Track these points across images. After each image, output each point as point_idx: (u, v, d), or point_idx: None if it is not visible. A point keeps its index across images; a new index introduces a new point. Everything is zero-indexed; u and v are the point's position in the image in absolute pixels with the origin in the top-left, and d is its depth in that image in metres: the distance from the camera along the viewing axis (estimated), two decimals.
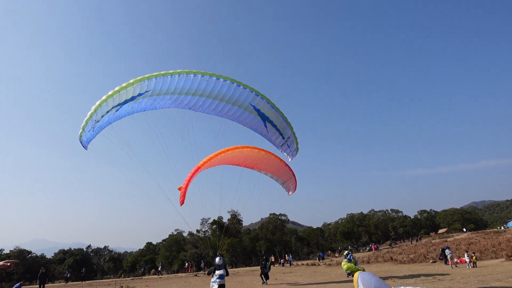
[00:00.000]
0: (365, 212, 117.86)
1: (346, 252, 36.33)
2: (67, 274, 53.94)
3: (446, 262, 32.63)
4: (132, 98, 14.23)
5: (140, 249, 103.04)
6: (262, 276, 26.12)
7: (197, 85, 14.60)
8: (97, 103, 14.11)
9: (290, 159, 19.22)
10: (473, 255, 30.64)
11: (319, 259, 56.99)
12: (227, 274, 15.84)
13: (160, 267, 64.19)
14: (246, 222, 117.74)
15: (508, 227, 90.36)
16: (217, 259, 15.27)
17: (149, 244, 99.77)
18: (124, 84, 14.23)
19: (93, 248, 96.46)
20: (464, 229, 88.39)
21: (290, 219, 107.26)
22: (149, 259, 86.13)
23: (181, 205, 23.56)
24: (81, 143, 14.61)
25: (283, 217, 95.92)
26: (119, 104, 14.14)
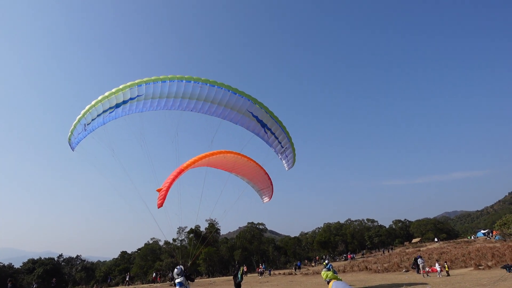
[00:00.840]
0: (342, 221, 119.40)
1: (326, 261, 37.23)
2: (34, 285, 51.65)
3: (418, 271, 33.42)
4: (125, 102, 14.33)
5: (114, 258, 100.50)
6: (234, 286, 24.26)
7: (191, 90, 14.68)
8: (86, 107, 14.26)
9: (287, 169, 19.34)
10: (445, 264, 31.59)
11: (295, 269, 57.08)
12: (192, 280, 16.22)
13: (128, 277, 62.53)
14: (223, 231, 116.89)
15: (477, 237, 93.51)
16: (175, 270, 15.70)
17: (123, 253, 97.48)
18: (113, 90, 14.26)
19: (64, 258, 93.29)
20: (436, 239, 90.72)
21: (268, 228, 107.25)
22: (124, 268, 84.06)
23: (158, 208, 23.14)
24: (70, 145, 14.73)
25: (261, 226, 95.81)
26: (110, 108, 14.24)
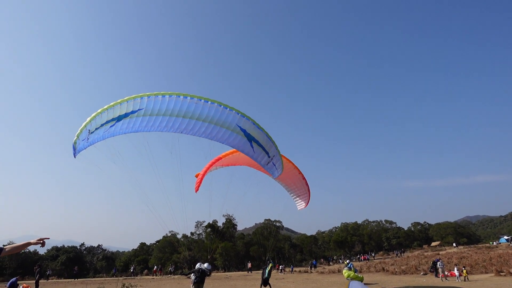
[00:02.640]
0: (359, 221, 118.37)
1: (347, 261, 37.99)
2: (49, 272, 54.28)
3: (436, 275, 33.09)
4: (126, 115, 14.79)
5: (133, 249, 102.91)
6: (262, 283, 23.12)
7: (186, 107, 15.17)
8: (92, 114, 14.81)
9: (275, 177, 19.64)
10: (463, 269, 31.16)
11: (311, 267, 57.20)
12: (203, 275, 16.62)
13: (132, 268, 64.11)
14: (240, 227, 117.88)
15: (500, 243, 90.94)
16: (205, 265, 16.56)
17: (142, 245, 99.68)
18: (118, 100, 14.90)
19: (86, 246, 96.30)
20: (454, 244, 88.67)
21: (285, 226, 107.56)
22: (142, 259, 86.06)
23: (196, 192, 24.68)
24: (74, 150, 15.29)
25: (277, 223, 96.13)
26: (113, 119, 14.72)
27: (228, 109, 15.70)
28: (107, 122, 14.74)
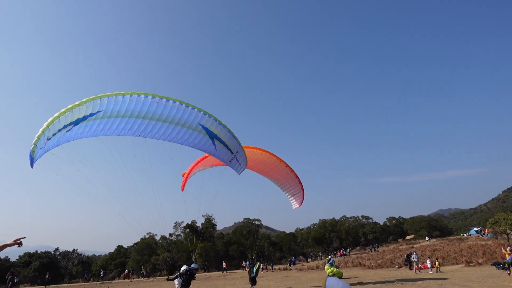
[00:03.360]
0: (337, 218, 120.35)
1: (328, 257, 38.97)
2: (16, 279, 51.06)
3: (410, 268, 34.14)
4: (84, 118, 14.16)
5: (110, 252, 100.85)
6: (250, 281, 24.57)
7: (147, 108, 14.81)
8: (50, 119, 13.84)
9: (239, 173, 19.67)
10: (436, 260, 32.33)
11: (290, 264, 57.81)
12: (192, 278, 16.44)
13: (102, 273, 62.43)
14: (219, 226, 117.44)
15: (470, 235, 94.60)
16: (184, 267, 16.33)
17: (119, 247, 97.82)
18: (77, 102, 14.12)
19: (61, 251, 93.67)
20: (427, 238, 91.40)
21: (264, 224, 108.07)
22: (119, 262, 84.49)
23: (182, 191, 24.66)
24: (31, 159, 13.98)
25: (257, 222, 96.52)
26: (70, 123, 14.01)
27: (190, 107, 15.54)
28: (65, 127, 13.99)
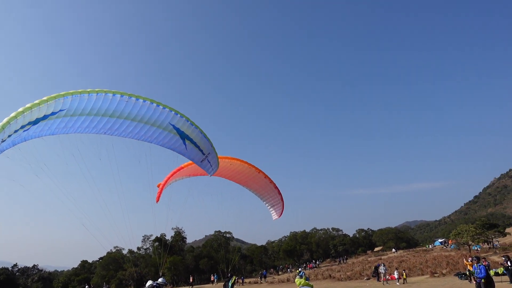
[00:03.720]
0: (307, 230, 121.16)
1: (299, 269, 39.19)
2: None
3: (378, 279, 34.75)
4: (45, 117, 13.05)
5: (73, 267, 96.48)
6: None
7: (115, 106, 14.08)
8: (5, 120, 12.44)
9: (210, 175, 19.33)
10: (403, 272, 33.10)
11: (261, 277, 57.43)
12: None
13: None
14: (190, 239, 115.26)
15: (435, 246, 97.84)
16: (151, 283, 15.41)
17: (84, 262, 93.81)
18: (37, 101, 12.83)
19: (19, 267, 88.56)
20: (394, 250, 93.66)
21: (235, 237, 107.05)
22: (84, 278, 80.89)
23: (156, 202, 23.66)
24: None
25: (228, 235, 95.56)
26: (29, 123, 12.77)
27: (161, 107, 14.99)
28: (22, 127, 12.62)
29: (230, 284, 23.97)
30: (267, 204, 28.24)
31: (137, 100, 14.44)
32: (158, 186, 24.79)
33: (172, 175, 23.75)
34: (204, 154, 17.29)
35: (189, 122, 15.96)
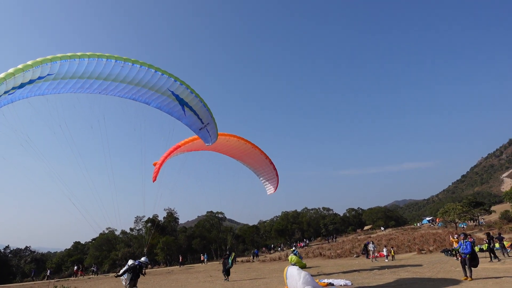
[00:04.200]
0: (299, 210, 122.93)
1: (293, 248, 40.25)
2: None
3: (367, 257, 35.59)
4: (31, 82, 12.20)
5: (66, 249, 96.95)
6: (224, 272, 24.99)
7: (110, 70, 13.41)
8: None
9: (208, 144, 19.06)
10: (391, 249, 33.96)
11: (253, 256, 58.41)
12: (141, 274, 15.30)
13: (48, 272, 55.89)
14: (182, 220, 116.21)
15: (423, 224, 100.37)
16: (130, 261, 15.06)
17: (77, 244, 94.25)
18: (20, 66, 11.82)
19: (12, 249, 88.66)
20: (382, 228, 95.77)
21: (227, 217, 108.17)
22: (77, 259, 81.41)
23: (153, 181, 23.47)
24: None
25: (220, 215, 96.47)
26: (13, 88, 11.88)
27: (159, 72, 14.41)
28: (6, 92, 11.74)
29: (230, 260, 24.70)
30: (262, 179, 28.93)
31: (133, 65, 13.80)
32: (155, 165, 24.41)
33: (170, 153, 23.61)
34: (203, 123, 16.89)
35: (189, 90, 15.43)
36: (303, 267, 28.76)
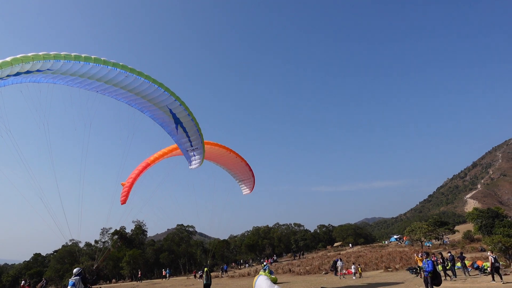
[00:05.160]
0: (270, 225, 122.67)
1: (264, 263, 39.89)
2: None
3: (336, 273, 35.77)
4: (28, 72, 11.97)
5: (25, 261, 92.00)
6: None
7: (113, 76, 13.46)
8: None
9: (191, 167, 19.14)
10: (359, 266, 34.33)
11: (222, 272, 57.49)
12: (89, 283, 14.89)
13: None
14: (151, 233, 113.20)
15: (391, 242, 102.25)
16: (74, 270, 14.57)
17: (37, 256, 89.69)
18: (19, 56, 11.41)
19: None
20: (350, 245, 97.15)
21: (198, 231, 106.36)
22: (36, 272, 77.35)
23: (122, 204, 22.20)
24: None
25: (190, 229, 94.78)
26: (8, 76, 11.53)
27: (162, 89, 14.54)
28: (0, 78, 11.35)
29: (205, 276, 23.70)
30: (238, 180, 29.31)
31: (137, 77, 13.87)
32: (123, 185, 22.43)
33: (139, 174, 22.74)
34: (192, 146, 17.18)
35: (187, 112, 15.62)
36: (274, 281, 28.55)
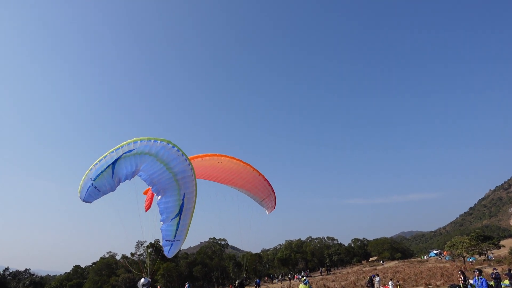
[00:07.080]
0: (303, 238, 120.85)
1: (304, 277, 39.26)
2: None
3: None
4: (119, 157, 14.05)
5: (66, 272, 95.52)
6: None
7: (163, 154, 14.72)
8: (93, 164, 13.83)
9: (168, 255, 18.67)
10: (397, 283, 33.03)
11: (255, 286, 56.99)
12: None
13: None
14: (184, 246, 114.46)
15: (430, 257, 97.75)
16: (141, 280, 14.96)
17: (77, 267, 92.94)
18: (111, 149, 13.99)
19: (11, 271, 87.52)
20: (381, 261, 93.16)
21: (230, 244, 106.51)
22: (76, 283, 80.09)
23: (146, 211, 22.63)
24: (80, 196, 13.93)
25: (222, 242, 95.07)
26: (113, 163, 13.91)
27: (193, 181, 15.40)
28: (107, 167, 13.85)
29: None
30: (258, 200, 27.19)
31: (185, 160, 14.97)
32: (145, 194, 23.04)
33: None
34: (174, 237, 17.00)
35: (191, 211, 16.08)
36: None
